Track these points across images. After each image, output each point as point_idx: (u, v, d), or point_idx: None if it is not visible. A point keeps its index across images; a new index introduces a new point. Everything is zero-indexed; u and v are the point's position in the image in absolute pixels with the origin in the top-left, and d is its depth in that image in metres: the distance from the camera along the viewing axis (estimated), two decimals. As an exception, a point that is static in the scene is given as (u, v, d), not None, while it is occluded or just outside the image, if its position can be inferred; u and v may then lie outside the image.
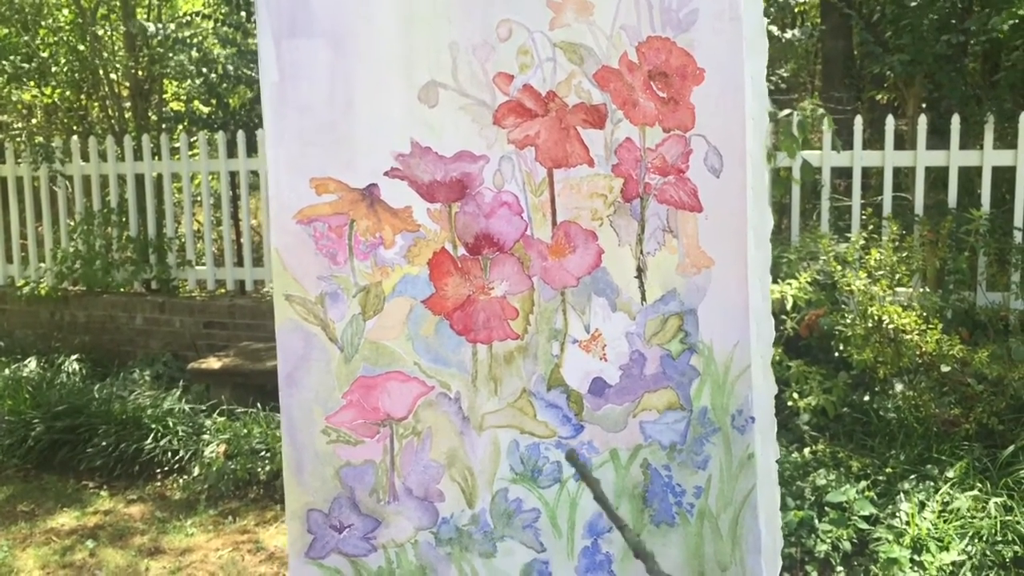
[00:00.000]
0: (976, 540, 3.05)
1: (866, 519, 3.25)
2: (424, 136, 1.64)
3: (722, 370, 1.67)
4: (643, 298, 1.67)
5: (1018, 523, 3.09)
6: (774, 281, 3.87)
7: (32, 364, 5.48)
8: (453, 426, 1.68)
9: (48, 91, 6.90)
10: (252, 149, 5.72)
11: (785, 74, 6.17)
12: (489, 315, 1.67)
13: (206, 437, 4.36)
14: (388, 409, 1.68)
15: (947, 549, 3.01)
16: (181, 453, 4.28)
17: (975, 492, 3.28)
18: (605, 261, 1.66)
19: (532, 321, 1.67)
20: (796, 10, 5.61)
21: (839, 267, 4.08)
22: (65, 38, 6.84)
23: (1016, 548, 3.02)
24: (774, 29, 5.41)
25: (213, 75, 6.16)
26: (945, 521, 3.17)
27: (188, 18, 7.05)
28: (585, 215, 1.66)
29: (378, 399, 1.67)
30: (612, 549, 1.72)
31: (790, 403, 3.84)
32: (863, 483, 3.47)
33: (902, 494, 3.37)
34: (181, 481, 4.19)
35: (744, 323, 1.65)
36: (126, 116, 6.84)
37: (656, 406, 1.68)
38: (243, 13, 6.05)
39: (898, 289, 4.20)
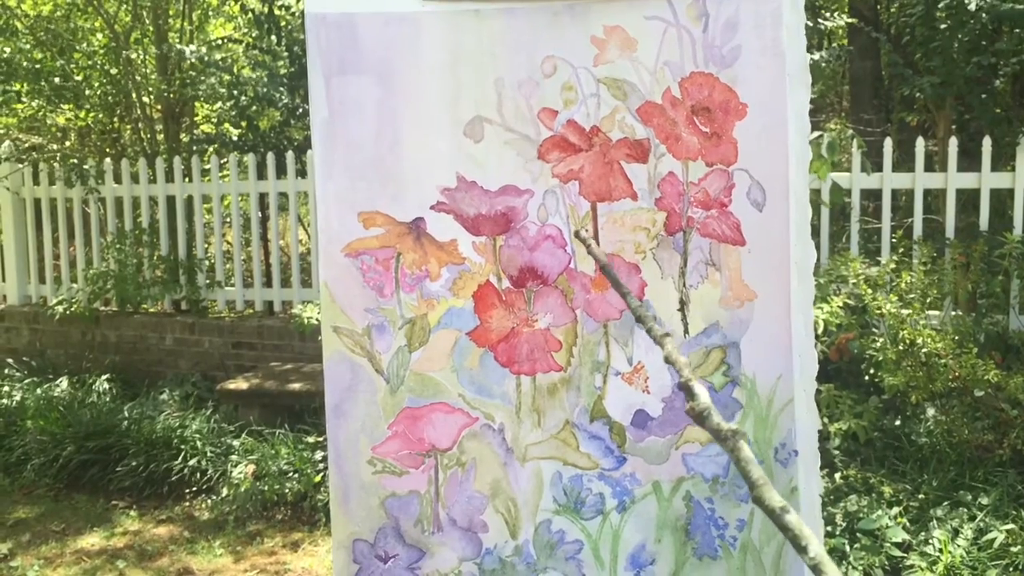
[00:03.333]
0: (1012, 570, 3.01)
1: (898, 546, 3.22)
2: (470, 170, 1.66)
3: (765, 403, 1.67)
4: (686, 331, 1.68)
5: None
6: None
7: (63, 384, 5.53)
8: (497, 457, 1.69)
9: (82, 114, 7.01)
10: (281, 171, 5.78)
11: (813, 95, 6.16)
12: (533, 347, 1.68)
13: (234, 458, 4.38)
14: (433, 440, 1.69)
15: (982, 578, 2.98)
16: (210, 473, 4.31)
17: (1010, 525, 3.24)
18: (648, 294, 1.67)
19: (575, 353, 1.68)
20: (824, 31, 5.60)
21: (869, 290, 4.05)
22: (99, 62, 6.96)
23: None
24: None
25: (243, 98, 6.23)
26: (979, 549, 3.12)
27: (219, 42, 7.15)
28: (628, 248, 1.67)
29: (423, 430, 1.68)
30: (654, 581, 1.71)
31: (820, 427, 3.81)
32: (895, 509, 3.43)
33: (935, 521, 3.33)
34: (209, 502, 4.21)
35: (787, 356, 1.65)
36: (158, 138, 6.94)
37: (699, 438, 1.68)
38: (273, 37, 6.13)
39: (929, 312, 4.17)
